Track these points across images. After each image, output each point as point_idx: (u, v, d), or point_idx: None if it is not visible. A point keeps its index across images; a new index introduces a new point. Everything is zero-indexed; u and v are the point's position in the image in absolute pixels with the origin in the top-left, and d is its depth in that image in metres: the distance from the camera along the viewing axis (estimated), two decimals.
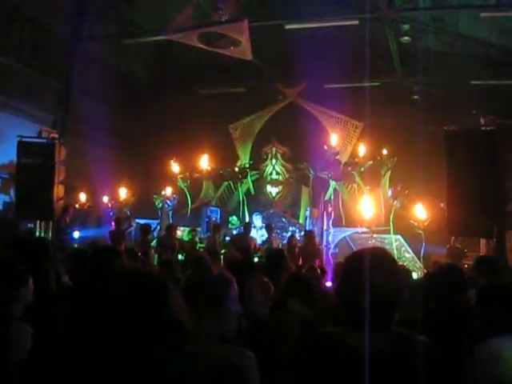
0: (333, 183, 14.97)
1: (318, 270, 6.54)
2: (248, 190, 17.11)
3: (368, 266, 1.99)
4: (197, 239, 13.56)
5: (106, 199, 14.89)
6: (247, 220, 15.37)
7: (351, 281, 2.02)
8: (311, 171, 15.20)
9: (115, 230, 11.68)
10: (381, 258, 2.09)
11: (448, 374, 1.95)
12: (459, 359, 2.82)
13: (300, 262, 10.76)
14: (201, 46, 13.08)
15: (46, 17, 14.40)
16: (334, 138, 15.22)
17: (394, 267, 2.10)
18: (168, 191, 15.40)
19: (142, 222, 13.93)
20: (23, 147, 12.09)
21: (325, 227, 13.36)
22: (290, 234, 14.46)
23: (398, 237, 13.53)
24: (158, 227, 13.98)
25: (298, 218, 16.52)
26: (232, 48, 12.98)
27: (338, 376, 1.91)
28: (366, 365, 1.85)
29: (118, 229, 11.78)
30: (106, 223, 14.09)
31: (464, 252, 12.18)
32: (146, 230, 11.91)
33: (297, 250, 11.57)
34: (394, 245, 13.25)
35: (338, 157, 15.08)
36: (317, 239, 12.56)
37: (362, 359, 1.85)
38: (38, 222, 12.45)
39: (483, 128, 10.22)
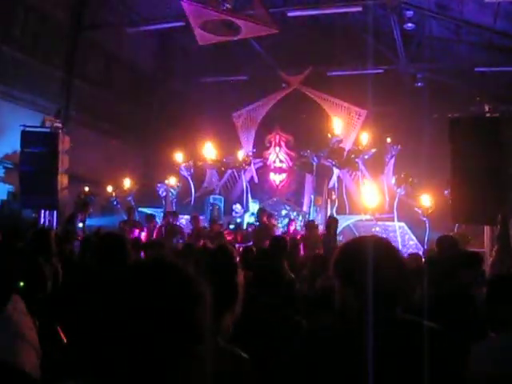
0: (336, 171, 14.97)
1: None
2: (251, 177, 17.11)
3: (372, 252, 1.99)
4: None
5: (109, 188, 14.90)
6: (251, 207, 15.41)
7: (355, 267, 2.01)
8: (315, 159, 15.18)
9: (127, 220, 11.71)
10: (385, 246, 2.10)
11: (458, 360, 1.95)
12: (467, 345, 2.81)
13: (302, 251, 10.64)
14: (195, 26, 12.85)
15: (49, 6, 14.37)
16: (337, 126, 15.19)
17: (398, 254, 2.10)
18: (171, 180, 15.41)
19: (145, 210, 14.00)
20: (27, 137, 12.09)
21: (328, 214, 13.34)
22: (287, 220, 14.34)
23: (402, 224, 13.52)
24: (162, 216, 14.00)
25: (302, 206, 16.53)
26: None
27: (343, 365, 1.91)
28: (370, 353, 1.85)
29: (130, 218, 11.82)
30: (110, 212, 14.14)
31: (468, 238, 12.18)
32: (150, 218, 11.98)
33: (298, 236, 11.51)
34: (398, 232, 13.25)
35: (341, 144, 15.07)
36: (320, 227, 12.45)
37: (368, 346, 1.86)
38: (43, 212, 12.49)
39: (487, 115, 10.18)
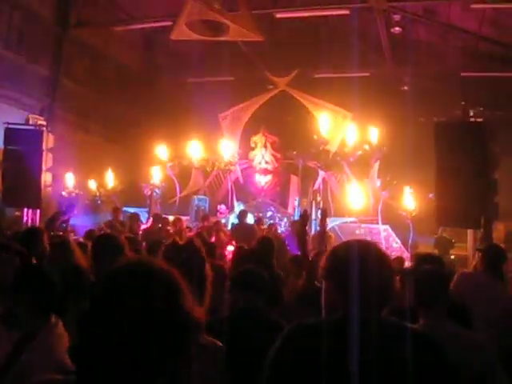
0: (321, 173, 14.99)
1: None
2: (237, 178, 17.09)
3: (358, 255, 2.01)
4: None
5: (94, 187, 14.81)
6: (236, 209, 15.36)
7: (341, 270, 2.03)
8: (300, 160, 15.19)
9: (113, 220, 11.61)
10: (370, 248, 2.11)
11: (442, 364, 1.95)
12: None
13: None
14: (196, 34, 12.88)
15: (35, 3, 14.25)
16: (323, 128, 15.21)
17: (385, 257, 2.12)
18: (156, 179, 15.34)
19: (130, 210, 13.91)
20: (10, 134, 11.99)
21: (313, 217, 13.35)
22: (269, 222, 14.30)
23: (386, 227, 13.58)
24: (147, 216, 13.94)
25: (287, 207, 16.54)
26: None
27: (325, 368, 1.90)
28: (355, 354, 1.85)
29: (116, 219, 11.72)
30: (94, 211, 14.02)
31: (452, 242, 12.28)
32: (134, 218, 11.88)
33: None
34: (382, 235, 13.30)
35: (327, 146, 15.09)
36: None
37: (352, 349, 1.86)
38: (26, 210, 12.38)
39: (472, 119, 10.27)
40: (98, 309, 1.34)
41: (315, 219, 13.43)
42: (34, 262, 4.40)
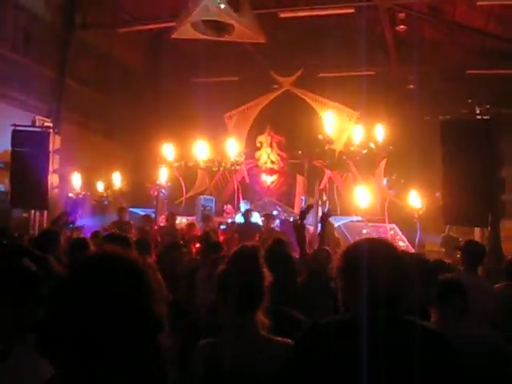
0: (327, 172, 14.97)
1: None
2: (243, 178, 17.09)
3: (368, 255, 2.01)
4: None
5: (100, 188, 14.84)
6: (242, 209, 15.37)
7: (351, 269, 2.03)
8: (306, 160, 15.18)
9: (119, 221, 11.65)
10: (382, 247, 2.11)
11: (454, 362, 1.96)
12: None
13: None
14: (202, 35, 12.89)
15: (40, 5, 14.29)
16: (328, 127, 15.20)
17: (398, 256, 2.11)
18: (163, 180, 15.36)
19: (137, 211, 13.96)
20: (17, 136, 12.04)
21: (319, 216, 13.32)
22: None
23: (393, 226, 13.55)
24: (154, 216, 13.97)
25: (293, 207, 16.52)
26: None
27: (336, 367, 1.91)
28: (364, 353, 1.85)
29: (122, 219, 11.76)
30: (101, 212, 14.06)
31: (459, 241, 12.22)
32: (146, 219, 11.97)
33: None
34: (389, 234, 13.27)
35: (332, 146, 15.07)
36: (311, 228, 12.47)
37: (362, 348, 1.86)
38: (33, 212, 12.42)
39: (478, 117, 10.24)
40: (66, 293, 1.37)
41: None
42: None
